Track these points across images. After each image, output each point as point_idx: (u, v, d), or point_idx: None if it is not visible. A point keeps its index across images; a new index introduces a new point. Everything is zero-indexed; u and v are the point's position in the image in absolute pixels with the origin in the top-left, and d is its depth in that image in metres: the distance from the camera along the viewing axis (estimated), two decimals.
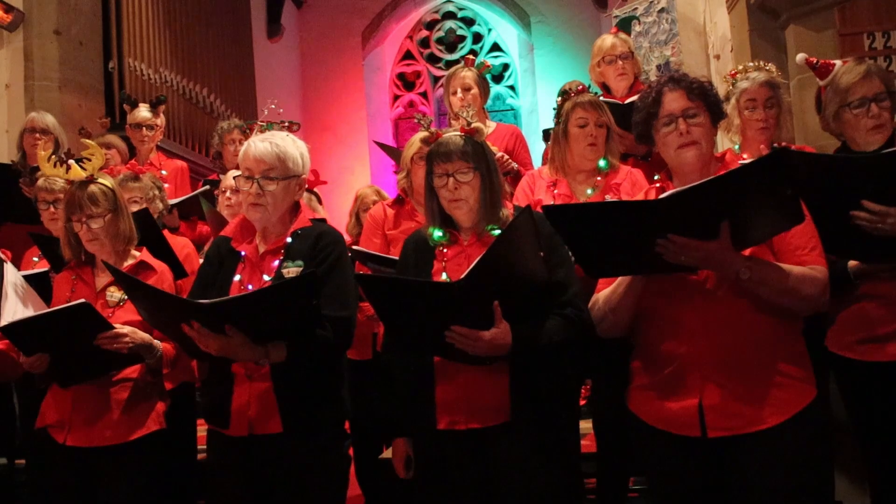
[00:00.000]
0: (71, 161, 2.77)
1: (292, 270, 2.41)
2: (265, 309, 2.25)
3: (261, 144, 2.46)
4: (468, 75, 4.08)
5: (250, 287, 2.42)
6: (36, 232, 3.37)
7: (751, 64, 3.21)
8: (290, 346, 2.31)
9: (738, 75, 3.15)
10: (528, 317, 2.22)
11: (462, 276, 2.07)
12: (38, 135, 4.36)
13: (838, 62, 2.77)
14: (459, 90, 4.05)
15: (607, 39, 4.05)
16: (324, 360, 2.41)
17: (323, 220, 2.64)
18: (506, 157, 3.79)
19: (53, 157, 2.89)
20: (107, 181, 2.75)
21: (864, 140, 2.60)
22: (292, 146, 2.50)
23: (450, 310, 2.13)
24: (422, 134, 3.10)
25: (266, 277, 2.43)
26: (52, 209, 3.44)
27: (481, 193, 2.36)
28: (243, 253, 2.50)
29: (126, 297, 2.67)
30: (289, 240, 2.48)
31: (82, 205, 2.66)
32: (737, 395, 2.05)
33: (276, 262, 2.44)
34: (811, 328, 2.49)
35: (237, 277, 2.46)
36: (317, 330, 2.32)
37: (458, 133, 2.41)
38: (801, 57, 2.98)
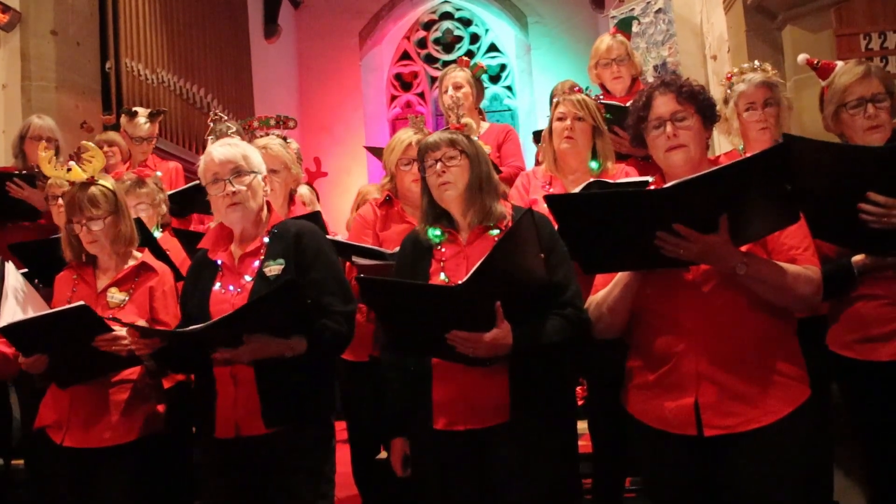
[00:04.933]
0: (71, 163, 2.77)
1: (273, 269, 2.44)
2: (256, 319, 2.28)
3: (220, 148, 2.51)
4: (460, 75, 4.10)
5: (231, 288, 2.45)
6: (22, 237, 3.37)
7: (746, 65, 3.20)
8: (310, 339, 2.36)
9: (734, 78, 3.15)
10: (527, 318, 2.22)
11: (464, 278, 2.08)
12: (45, 143, 4.35)
13: (840, 63, 2.78)
14: (451, 88, 4.06)
15: (604, 41, 4.07)
16: (337, 353, 2.50)
17: (317, 213, 2.66)
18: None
19: (54, 158, 2.88)
20: (107, 183, 2.75)
21: (861, 140, 2.61)
22: (247, 145, 2.58)
23: (450, 312, 2.14)
24: (405, 136, 3.13)
25: (247, 278, 2.45)
26: (60, 202, 3.44)
27: (470, 179, 2.38)
28: (220, 262, 2.52)
29: (127, 298, 2.68)
30: (266, 240, 2.50)
31: (82, 207, 2.67)
32: (732, 394, 2.06)
33: (257, 263, 2.46)
34: (811, 329, 2.51)
35: (216, 286, 2.48)
36: (329, 324, 2.37)
37: (448, 129, 2.46)
38: (802, 57, 2.99)
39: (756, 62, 3.20)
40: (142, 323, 2.59)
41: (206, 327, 2.28)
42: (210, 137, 4.97)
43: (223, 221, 2.55)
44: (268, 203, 2.58)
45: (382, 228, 3.31)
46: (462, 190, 2.39)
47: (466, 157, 2.39)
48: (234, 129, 4.86)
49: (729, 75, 3.20)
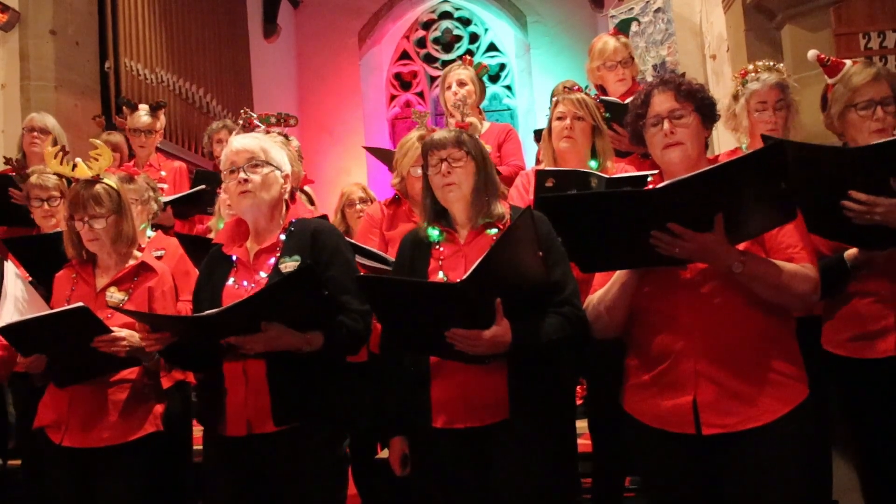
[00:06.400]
0: (78, 160, 2.77)
1: (289, 265, 2.41)
2: (275, 306, 2.25)
3: (241, 139, 2.52)
4: (464, 72, 4.09)
5: (244, 283, 2.44)
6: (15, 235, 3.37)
7: (760, 63, 3.19)
8: (326, 335, 2.34)
9: (748, 75, 3.14)
10: (526, 316, 2.23)
11: (464, 276, 2.08)
12: (36, 133, 4.35)
13: (849, 62, 2.78)
14: (454, 84, 4.05)
15: (609, 43, 4.04)
16: (353, 351, 2.47)
17: (324, 217, 2.66)
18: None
19: (60, 153, 2.88)
20: (112, 182, 2.75)
21: (865, 142, 2.61)
22: (272, 142, 2.56)
23: (450, 309, 2.14)
24: (416, 134, 3.12)
25: (262, 274, 2.44)
26: (45, 206, 3.44)
27: (475, 181, 2.38)
28: (235, 257, 2.51)
29: (126, 297, 2.68)
30: (283, 237, 2.49)
31: (86, 204, 2.66)
32: (731, 393, 2.06)
33: (273, 260, 2.45)
34: (809, 329, 2.51)
35: (230, 281, 2.47)
36: (346, 321, 2.36)
37: (453, 128, 2.46)
38: (812, 53, 2.99)
39: (771, 62, 3.20)
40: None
41: (221, 312, 2.24)
42: (205, 138, 4.98)
43: (235, 211, 2.55)
44: (286, 201, 2.57)
45: (389, 228, 3.30)
46: (467, 192, 2.39)
47: (472, 159, 2.39)
48: (226, 124, 4.85)
49: (743, 72, 3.18)
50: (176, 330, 2.41)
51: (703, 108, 2.23)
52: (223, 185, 2.57)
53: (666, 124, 2.19)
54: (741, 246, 2.07)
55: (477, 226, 2.40)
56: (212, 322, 2.26)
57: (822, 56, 2.88)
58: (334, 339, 2.35)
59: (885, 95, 2.60)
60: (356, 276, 2.39)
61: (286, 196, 2.57)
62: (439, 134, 2.44)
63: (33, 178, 3.48)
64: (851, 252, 2.49)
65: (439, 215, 2.44)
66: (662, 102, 2.21)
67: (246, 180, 2.43)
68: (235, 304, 2.25)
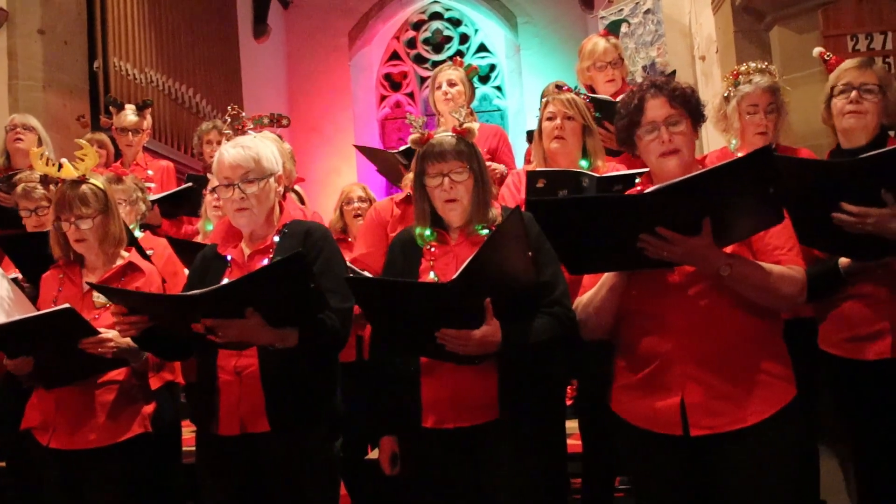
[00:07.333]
0: (63, 160, 2.75)
1: None
2: (261, 293, 2.24)
3: (232, 150, 2.46)
4: (453, 73, 4.08)
5: None
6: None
7: (752, 64, 3.20)
8: (302, 332, 2.32)
9: (740, 76, 3.15)
10: (516, 316, 2.23)
11: (454, 276, 2.08)
12: (19, 129, 4.31)
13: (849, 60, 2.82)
14: (444, 84, 4.04)
15: (599, 44, 4.05)
16: (331, 348, 2.45)
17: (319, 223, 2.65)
18: (493, 165, 3.76)
19: (45, 154, 2.86)
20: (98, 182, 2.73)
21: (839, 125, 2.65)
22: (262, 145, 2.52)
23: (440, 310, 2.14)
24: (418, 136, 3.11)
25: None
26: (35, 217, 3.42)
27: (474, 193, 2.38)
28: (229, 257, 2.50)
29: None
30: (276, 238, 2.49)
31: (72, 205, 2.64)
32: (718, 394, 2.07)
33: (266, 261, 2.44)
34: (799, 331, 2.53)
35: (224, 280, 2.46)
36: (325, 319, 2.33)
37: (450, 133, 2.42)
38: (817, 50, 3.04)
39: (763, 64, 3.21)
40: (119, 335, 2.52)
41: (208, 291, 2.22)
42: (195, 138, 4.97)
43: (232, 223, 2.54)
44: (280, 203, 2.56)
45: (394, 229, 3.24)
46: (466, 205, 2.38)
47: (472, 172, 2.37)
48: (216, 125, 4.84)
49: (735, 73, 3.18)
50: (155, 314, 2.37)
51: (694, 112, 2.23)
52: (217, 195, 2.53)
53: (664, 133, 2.17)
54: (729, 248, 2.07)
55: (470, 231, 2.40)
56: (197, 303, 2.24)
57: (824, 53, 2.92)
58: (311, 336, 2.34)
59: (865, 82, 2.62)
60: (344, 276, 2.38)
61: (279, 197, 2.56)
62: (439, 143, 2.39)
63: (19, 189, 3.46)
64: (846, 260, 2.50)
65: (436, 220, 2.44)
66: (657, 109, 2.18)
67: (243, 198, 2.42)
68: (224, 286, 2.24)
